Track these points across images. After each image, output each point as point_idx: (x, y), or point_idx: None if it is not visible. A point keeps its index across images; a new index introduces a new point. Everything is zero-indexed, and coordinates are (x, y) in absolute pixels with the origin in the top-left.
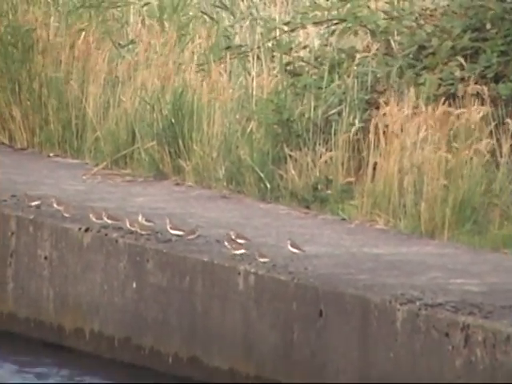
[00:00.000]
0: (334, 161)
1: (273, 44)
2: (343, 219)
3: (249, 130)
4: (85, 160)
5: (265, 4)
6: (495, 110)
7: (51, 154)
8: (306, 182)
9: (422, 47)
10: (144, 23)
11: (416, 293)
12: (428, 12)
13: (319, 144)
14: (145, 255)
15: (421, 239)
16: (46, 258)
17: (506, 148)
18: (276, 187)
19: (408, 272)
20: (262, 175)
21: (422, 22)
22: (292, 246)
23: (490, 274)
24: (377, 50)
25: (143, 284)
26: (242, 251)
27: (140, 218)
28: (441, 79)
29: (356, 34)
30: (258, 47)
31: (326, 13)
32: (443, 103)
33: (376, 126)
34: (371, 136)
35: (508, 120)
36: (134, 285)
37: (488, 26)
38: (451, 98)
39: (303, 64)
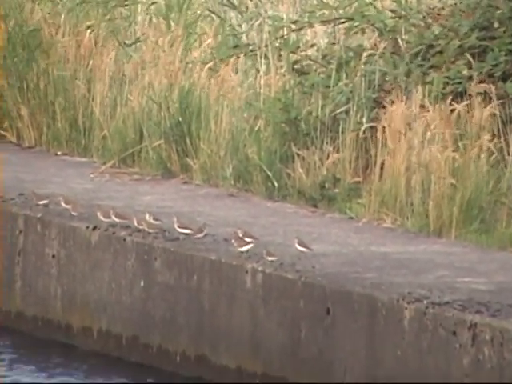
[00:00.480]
0: (342, 160)
1: (280, 43)
2: (351, 218)
3: (256, 128)
4: (92, 158)
5: (272, 3)
6: (502, 109)
7: (59, 153)
8: (313, 180)
9: (429, 46)
10: (151, 22)
11: (423, 291)
12: (435, 11)
13: (327, 143)
14: (152, 253)
15: (428, 238)
16: (53, 256)
17: None
18: (283, 186)
19: (415, 270)
20: (269, 174)
21: (429, 20)
22: (299, 244)
23: (498, 273)
24: (384, 48)
25: (151, 282)
26: (249, 246)
27: (148, 216)
28: (448, 78)
29: (363, 32)
30: (266, 46)
31: (333, 11)
32: (450, 102)
33: (383, 125)
34: (378, 135)
35: None
36: (142, 283)
37: (496, 25)
38: (458, 96)
39: (311, 63)
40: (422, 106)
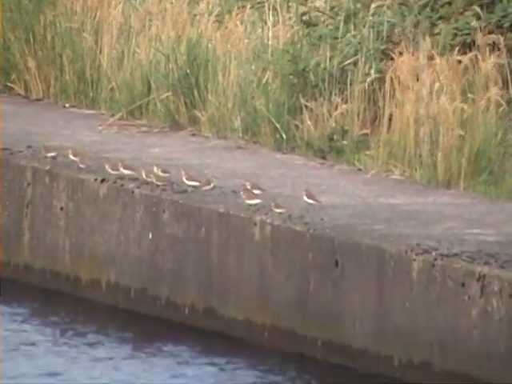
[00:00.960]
0: (350, 111)
1: None
2: (359, 169)
3: (264, 80)
4: (100, 111)
5: None
6: (511, 60)
7: (67, 105)
8: (321, 132)
9: None
10: None
11: (432, 243)
12: None
13: (335, 94)
14: (161, 206)
15: (437, 189)
16: (61, 208)
17: None
18: (292, 138)
19: (424, 222)
20: (277, 126)
21: None
22: (308, 196)
23: (507, 224)
24: None
25: (159, 235)
26: (258, 201)
27: (156, 168)
28: (457, 29)
29: None
30: None
31: None
32: (459, 53)
33: (391, 77)
34: (387, 86)
35: None
36: (150, 235)
37: None
38: (467, 47)
39: (319, 14)
40: (431, 58)
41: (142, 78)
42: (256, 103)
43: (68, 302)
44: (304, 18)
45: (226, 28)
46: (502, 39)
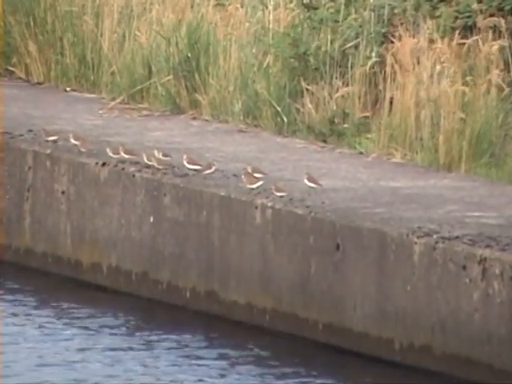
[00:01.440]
0: (351, 94)
1: None
2: (360, 153)
3: (265, 64)
4: (101, 94)
5: None
6: None
7: (68, 89)
8: (322, 115)
9: None
10: None
11: (433, 226)
12: None
13: (336, 78)
14: (162, 189)
15: (438, 172)
16: (63, 192)
17: None
18: (293, 121)
19: (425, 205)
20: (278, 109)
21: None
22: (309, 180)
23: (508, 207)
24: None
25: (160, 218)
26: (259, 183)
27: (157, 152)
28: (457, 12)
29: None
30: None
31: None
32: (459, 36)
33: (392, 60)
34: (387, 69)
35: None
36: (151, 219)
37: None
38: (468, 30)
39: None
40: (431, 41)
41: (142, 61)
42: (257, 87)
43: (69, 285)
44: (305, 1)
45: (227, 11)
46: (503, 22)
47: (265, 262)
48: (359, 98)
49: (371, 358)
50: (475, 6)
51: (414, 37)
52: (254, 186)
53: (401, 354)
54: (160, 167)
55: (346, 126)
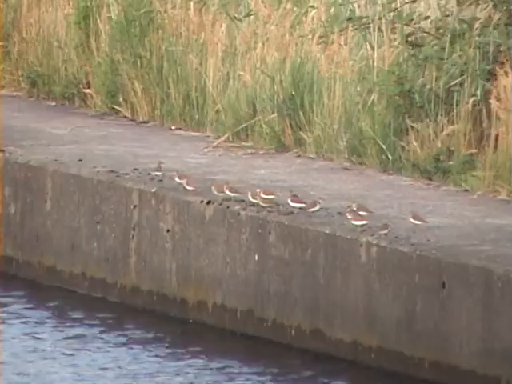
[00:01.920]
0: (456, 132)
1: (394, 15)
2: (465, 190)
3: (370, 101)
4: (206, 133)
5: None
6: None
7: (173, 127)
8: (427, 153)
9: None
10: None
11: None
12: None
13: (441, 115)
14: (267, 227)
15: None
16: (168, 230)
17: None
18: (398, 158)
19: None
20: (383, 147)
21: None
22: (414, 217)
23: None
24: (499, 19)
25: (265, 256)
26: (364, 222)
27: (261, 190)
28: None
29: (477, 4)
30: (380, 18)
31: None
32: None
33: (497, 97)
34: (493, 107)
35: None
36: (256, 257)
37: None
38: None
39: (424, 35)
40: None
41: (247, 99)
42: (361, 124)
43: (175, 324)
44: (409, 38)
45: (330, 49)
46: None
47: (370, 299)
48: (464, 135)
49: None
50: None
51: None
52: (359, 223)
53: None
54: (265, 205)
55: (451, 163)
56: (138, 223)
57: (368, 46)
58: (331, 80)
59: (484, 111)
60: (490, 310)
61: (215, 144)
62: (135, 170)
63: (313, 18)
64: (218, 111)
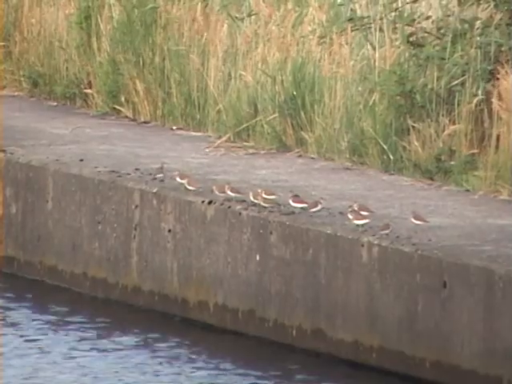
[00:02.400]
0: (458, 132)
1: (395, 15)
2: (467, 190)
3: (371, 101)
4: (207, 133)
5: None
6: None
7: (174, 127)
8: (429, 153)
9: None
10: None
11: None
12: None
13: (442, 115)
14: (268, 228)
15: None
16: (169, 230)
17: None
18: (399, 159)
19: None
20: (385, 147)
21: None
22: (415, 217)
23: None
24: (500, 19)
25: (266, 256)
26: (366, 221)
27: (263, 190)
28: None
29: (478, 4)
30: (381, 19)
31: None
32: None
33: (498, 97)
34: (493, 107)
35: None
36: (258, 257)
37: None
38: None
39: (426, 35)
40: None
41: (248, 99)
42: (363, 124)
43: (176, 324)
44: (411, 38)
45: (331, 49)
46: None
47: (371, 299)
48: (466, 135)
49: None
50: None
51: None
52: (361, 222)
53: None
54: (266, 205)
55: (452, 163)
56: (140, 223)
57: (369, 46)
58: (332, 80)
59: (485, 111)
60: (491, 310)
61: (216, 144)
62: (136, 170)
63: (313, 17)
64: (219, 111)
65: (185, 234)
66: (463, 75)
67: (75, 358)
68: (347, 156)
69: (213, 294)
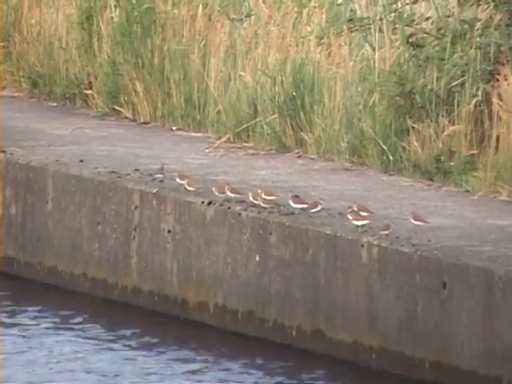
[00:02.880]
0: (457, 132)
1: (395, 16)
2: (467, 191)
3: (371, 102)
4: (207, 133)
5: None
6: None
7: (174, 128)
8: (428, 153)
9: None
10: None
11: None
12: None
13: (442, 116)
14: (268, 228)
15: None
16: (169, 231)
17: None
18: (399, 159)
19: None
20: (384, 147)
21: None
22: (415, 218)
23: None
24: (500, 20)
25: (266, 257)
26: (365, 222)
27: (262, 191)
28: None
29: (478, 4)
30: (380, 19)
31: None
32: None
33: (498, 98)
34: (493, 108)
35: None
36: (257, 258)
37: None
38: None
39: (425, 35)
40: None
41: (248, 100)
42: (362, 125)
43: (175, 324)
44: (410, 39)
45: (331, 50)
46: None
47: (371, 300)
48: (465, 135)
49: None
50: None
51: None
52: (360, 223)
53: None
54: (266, 206)
55: (452, 164)
56: (139, 224)
57: (369, 47)
58: (332, 81)
59: (485, 112)
60: (490, 311)
61: (216, 145)
62: (136, 170)
63: (311, 17)
64: (219, 112)
65: (184, 235)
66: (463, 76)
67: (75, 357)
68: (347, 157)
69: (212, 294)
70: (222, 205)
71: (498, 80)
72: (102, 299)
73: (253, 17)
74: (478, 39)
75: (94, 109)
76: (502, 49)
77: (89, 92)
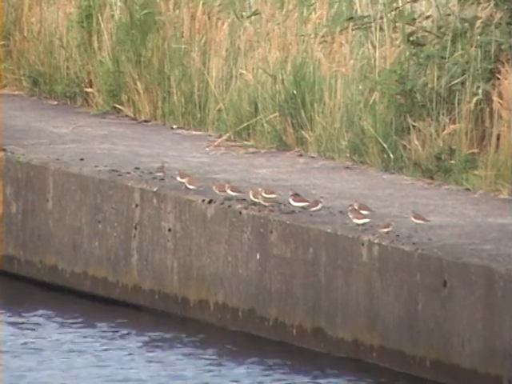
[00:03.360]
0: (458, 131)
1: (395, 14)
2: (467, 189)
3: (371, 100)
4: (208, 132)
5: None
6: None
7: (174, 126)
8: (429, 152)
9: None
10: None
11: None
12: None
13: (442, 114)
14: (268, 226)
15: None
16: (169, 230)
17: None
18: (399, 158)
19: None
20: (385, 146)
21: None
22: (415, 216)
23: None
24: (500, 18)
25: (267, 255)
26: (366, 220)
27: (263, 189)
28: None
29: (479, 3)
30: (381, 18)
31: None
32: None
33: (499, 96)
34: (494, 106)
35: None
36: (258, 256)
37: None
38: None
39: (426, 34)
40: None
41: (248, 99)
42: (363, 123)
43: (176, 322)
44: (411, 38)
45: (332, 48)
46: None
47: (371, 298)
48: (466, 134)
49: None
50: None
51: None
52: (361, 222)
53: None
54: (266, 204)
55: (452, 162)
56: (140, 222)
57: (369, 45)
58: (333, 79)
59: (486, 110)
60: (491, 309)
61: (217, 143)
62: (137, 169)
63: (311, 15)
64: (219, 110)
65: (185, 233)
66: (463, 74)
67: (75, 357)
68: (347, 155)
69: (213, 292)
70: (222, 203)
71: (498, 78)
72: (103, 298)
73: (256, 15)
74: (479, 38)
75: (95, 107)
76: (503, 47)
77: (89, 90)
